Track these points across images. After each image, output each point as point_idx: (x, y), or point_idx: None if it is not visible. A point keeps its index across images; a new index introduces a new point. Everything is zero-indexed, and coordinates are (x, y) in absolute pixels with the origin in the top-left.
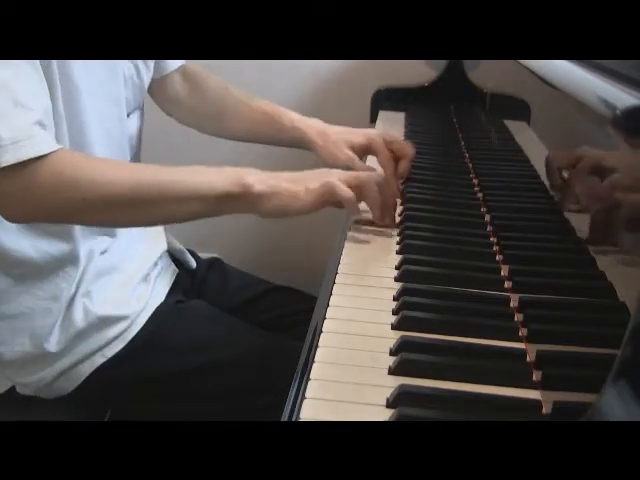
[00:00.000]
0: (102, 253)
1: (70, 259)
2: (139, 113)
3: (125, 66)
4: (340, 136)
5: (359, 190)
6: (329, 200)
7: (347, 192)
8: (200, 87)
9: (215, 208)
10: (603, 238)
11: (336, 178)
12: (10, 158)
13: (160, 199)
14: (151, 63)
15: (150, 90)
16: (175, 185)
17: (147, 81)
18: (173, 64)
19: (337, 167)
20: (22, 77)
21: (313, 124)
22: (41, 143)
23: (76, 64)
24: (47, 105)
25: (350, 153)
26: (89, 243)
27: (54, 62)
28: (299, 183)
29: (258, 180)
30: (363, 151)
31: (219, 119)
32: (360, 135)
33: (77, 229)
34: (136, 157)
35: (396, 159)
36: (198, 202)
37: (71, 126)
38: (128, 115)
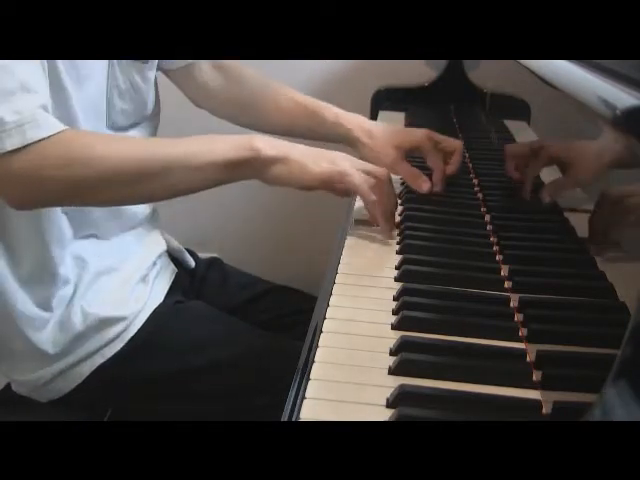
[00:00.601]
0: (97, 255)
1: (57, 271)
2: (148, 124)
3: (120, 79)
4: (386, 136)
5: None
6: (335, 185)
7: (357, 179)
8: (235, 76)
9: (224, 175)
10: (603, 237)
11: (350, 167)
12: (15, 142)
13: (169, 170)
14: (150, 75)
15: (176, 81)
16: (185, 157)
17: (148, 94)
18: None
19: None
20: (25, 63)
21: (358, 120)
22: (45, 126)
23: (66, 72)
24: (47, 88)
25: (395, 154)
26: (73, 252)
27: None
28: (310, 157)
29: (267, 144)
30: (409, 152)
31: (257, 110)
32: (407, 136)
33: (53, 246)
34: None
35: (445, 155)
36: (207, 170)
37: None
38: (134, 125)
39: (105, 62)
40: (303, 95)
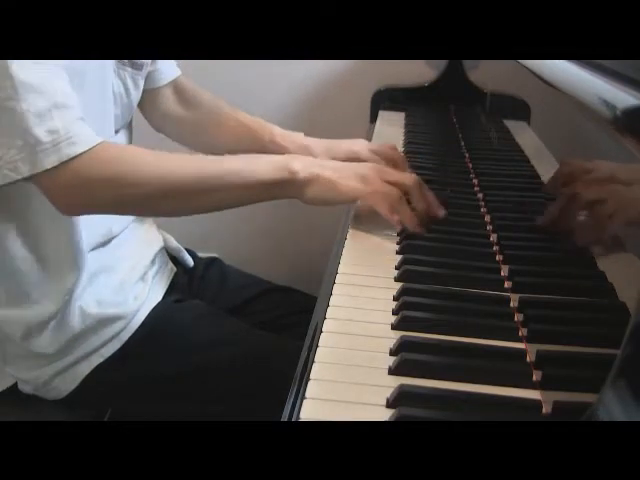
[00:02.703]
0: (93, 254)
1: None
2: (127, 129)
3: (115, 84)
4: (324, 150)
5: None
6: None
7: (380, 202)
8: (193, 102)
9: (263, 194)
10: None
11: (375, 181)
12: (53, 160)
13: (207, 190)
14: (141, 82)
15: (140, 104)
16: (227, 175)
17: (136, 100)
18: (166, 77)
19: None
20: (57, 77)
21: (294, 138)
22: (79, 142)
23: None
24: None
25: None
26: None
27: None
28: (343, 176)
29: (303, 166)
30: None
31: (210, 134)
32: (344, 149)
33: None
34: None
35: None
36: (247, 190)
37: None
38: (116, 132)
39: (110, 68)
40: (248, 115)
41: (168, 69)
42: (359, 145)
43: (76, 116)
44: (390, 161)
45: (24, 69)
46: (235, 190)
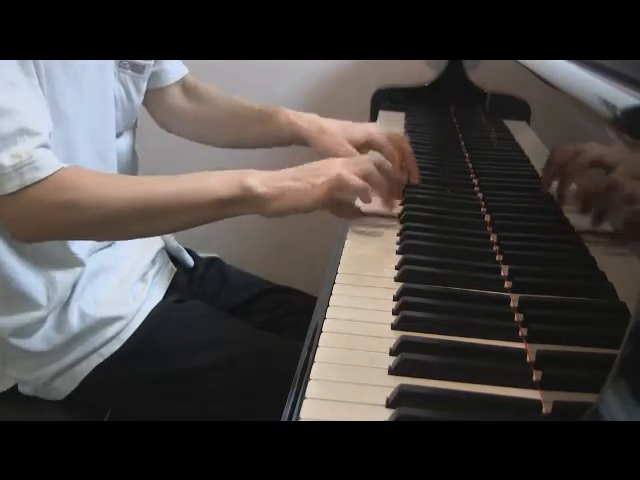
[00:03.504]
0: (92, 254)
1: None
2: (130, 132)
3: (115, 87)
4: (339, 131)
5: (365, 179)
6: (337, 196)
7: (358, 182)
8: (204, 97)
9: (219, 213)
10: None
11: (342, 170)
12: (15, 184)
13: (163, 212)
14: (143, 85)
15: (146, 102)
16: (178, 196)
17: (138, 103)
18: (174, 76)
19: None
20: (30, 102)
21: (310, 118)
22: (43, 167)
23: (64, 88)
24: (50, 125)
25: (349, 147)
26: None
27: (43, 86)
28: (303, 180)
29: (260, 182)
30: (362, 146)
31: (224, 125)
32: (359, 131)
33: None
34: (133, 173)
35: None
36: (202, 210)
37: (63, 149)
38: (119, 135)
39: (110, 71)
40: (256, 102)
41: (175, 69)
42: (373, 127)
43: (40, 142)
44: (398, 149)
45: None
46: (188, 211)
